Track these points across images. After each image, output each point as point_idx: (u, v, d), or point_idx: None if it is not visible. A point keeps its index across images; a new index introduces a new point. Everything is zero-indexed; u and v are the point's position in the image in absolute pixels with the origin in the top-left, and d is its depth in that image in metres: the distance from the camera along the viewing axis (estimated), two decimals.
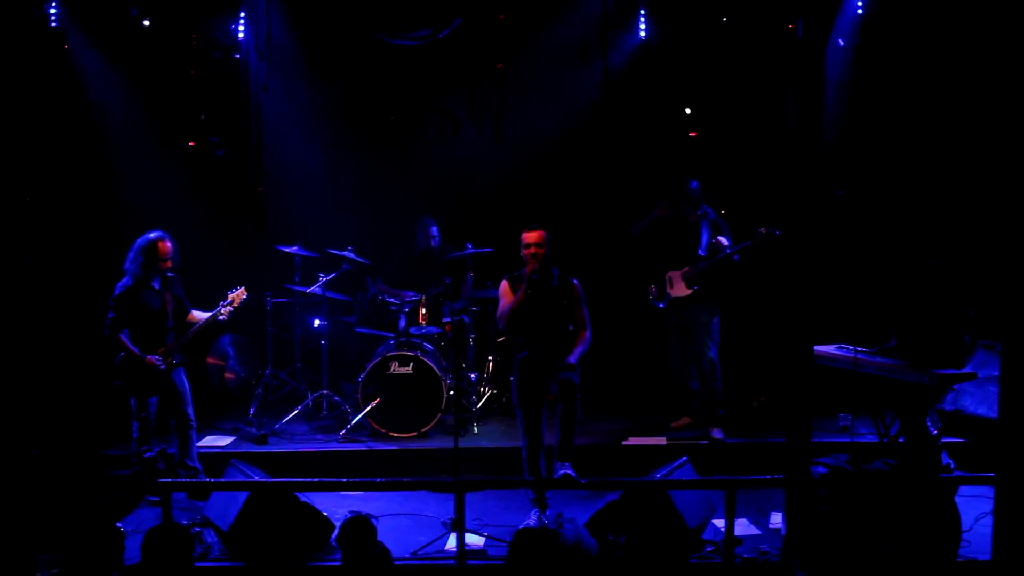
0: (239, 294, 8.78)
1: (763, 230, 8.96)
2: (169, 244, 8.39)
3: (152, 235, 8.38)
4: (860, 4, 10.41)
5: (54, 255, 10.43)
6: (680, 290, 9.44)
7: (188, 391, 8.54)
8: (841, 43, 10.32)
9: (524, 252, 8.06)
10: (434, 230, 10.64)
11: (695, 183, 9.47)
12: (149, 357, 8.29)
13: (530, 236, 8.06)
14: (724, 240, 9.20)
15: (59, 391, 9.83)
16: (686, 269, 9.38)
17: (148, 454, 8.36)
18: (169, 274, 8.50)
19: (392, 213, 11.35)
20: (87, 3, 10.49)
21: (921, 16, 10.16)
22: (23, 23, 9.94)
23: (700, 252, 9.30)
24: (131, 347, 8.28)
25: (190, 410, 8.52)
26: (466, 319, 10.44)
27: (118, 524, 7.47)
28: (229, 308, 8.67)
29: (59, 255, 10.47)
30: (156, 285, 8.41)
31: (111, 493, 7.42)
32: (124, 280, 8.35)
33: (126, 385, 8.36)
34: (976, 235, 9.81)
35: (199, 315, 8.65)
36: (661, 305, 9.59)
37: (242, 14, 10.61)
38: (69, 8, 10.41)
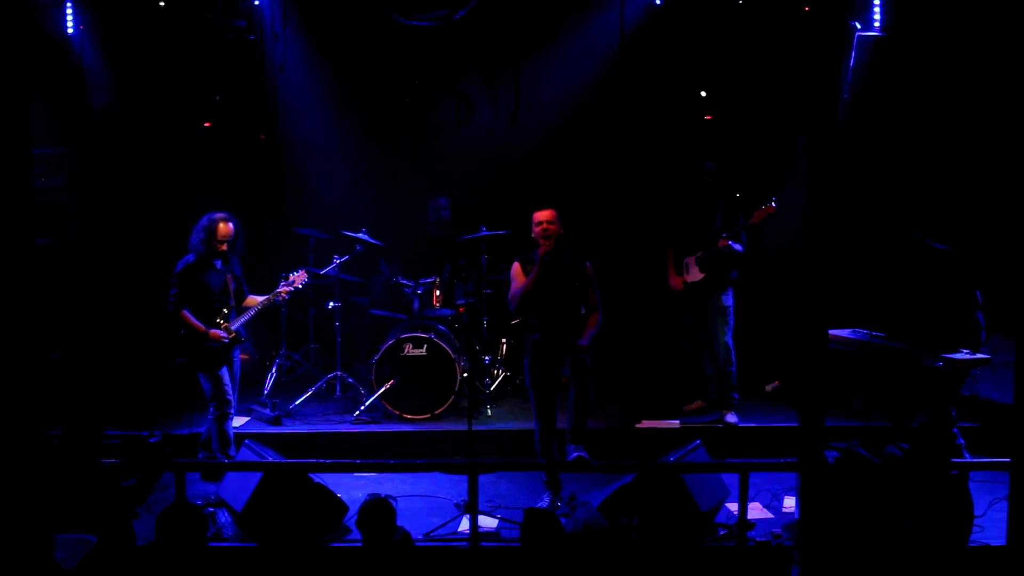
0: (300, 276, 8.84)
1: (763, 205, 8.96)
2: (231, 226, 8.40)
3: (216, 215, 8.39)
4: None
5: (72, 240, 10.46)
6: (694, 275, 9.42)
7: (239, 375, 8.59)
8: (858, 25, 10.24)
9: (536, 230, 8.03)
10: (446, 211, 10.69)
11: (711, 165, 9.45)
12: (213, 331, 8.30)
13: (541, 214, 8.03)
14: (737, 247, 9.17)
15: (76, 373, 9.87)
16: (700, 254, 9.36)
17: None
18: (230, 255, 8.52)
19: (407, 195, 11.35)
20: None
21: None
22: (36, 8, 9.96)
23: (712, 236, 9.28)
24: (195, 322, 8.28)
25: (235, 395, 8.55)
26: (480, 302, 10.45)
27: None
28: (289, 289, 8.72)
29: (78, 240, 10.50)
30: (218, 264, 8.42)
31: (124, 475, 7.42)
32: (187, 257, 8.37)
33: (192, 362, 8.36)
34: (993, 220, 9.75)
35: (257, 298, 8.66)
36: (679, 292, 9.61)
37: None
38: None
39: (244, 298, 8.64)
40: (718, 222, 9.30)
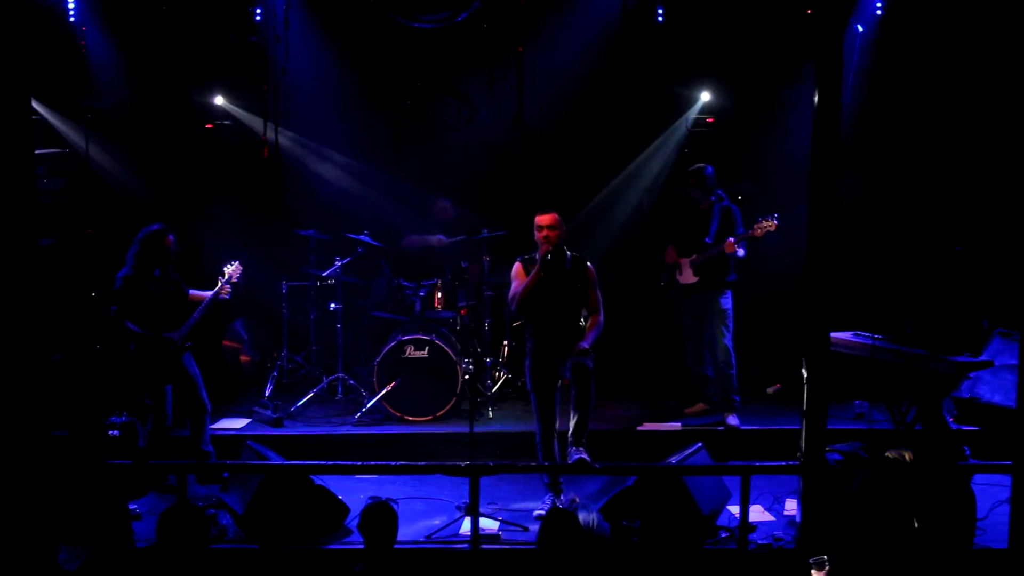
0: (235, 269, 8.75)
1: (762, 219, 8.95)
2: (171, 237, 8.38)
3: (153, 228, 8.35)
4: None
5: (73, 240, 10.46)
6: (688, 277, 9.45)
7: (199, 375, 8.53)
8: (860, 28, 10.25)
9: (537, 235, 7.97)
10: (451, 211, 10.72)
11: (710, 169, 9.45)
12: (162, 335, 8.28)
13: (543, 219, 7.96)
14: (740, 251, 9.16)
15: (78, 373, 9.87)
16: (694, 257, 9.37)
17: (125, 418, 8.35)
18: (168, 262, 8.47)
19: (409, 196, 11.35)
20: None
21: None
22: (40, 10, 9.97)
23: (707, 240, 9.29)
24: (140, 332, 8.25)
25: (203, 394, 8.51)
26: (481, 304, 10.45)
27: (131, 505, 7.52)
28: (228, 287, 8.65)
29: (79, 240, 10.50)
30: (156, 272, 8.37)
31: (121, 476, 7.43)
32: (124, 271, 8.29)
33: (140, 375, 8.36)
34: (995, 222, 9.75)
35: (198, 294, 8.63)
36: (671, 294, 9.62)
37: None
38: None
39: (186, 296, 8.58)
40: (713, 225, 9.31)
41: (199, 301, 8.57)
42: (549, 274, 7.92)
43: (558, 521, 5.86)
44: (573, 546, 5.77)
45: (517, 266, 8.14)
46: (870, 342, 7.95)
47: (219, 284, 8.61)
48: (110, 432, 8.31)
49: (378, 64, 11.23)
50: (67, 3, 10.25)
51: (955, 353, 7.63)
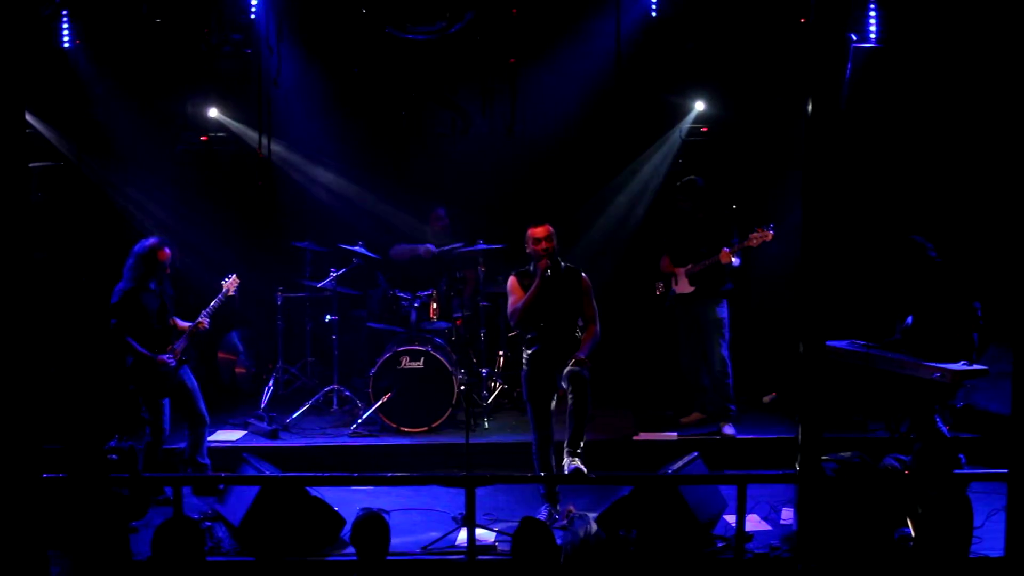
0: (232, 282, 8.79)
1: (757, 229, 8.96)
2: (168, 251, 8.38)
3: (150, 242, 8.35)
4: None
5: (66, 253, 10.44)
6: (684, 287, 9.46)
7: (197, 388, 8.53)
8: (854, 37, 10.26)
9: (534, 247, 7.95)
10: (446, 220, 10.73)
11: (700, 180, 9.47)
12: (160, 356, 8.28)
13: (537, 231, 7.94)
14: (736, 260, 9.15)
15: (72, 387, 9.84)
16: (689, 266, 9.38)
17: (125, 444, 8.34)
18: (164, 276, 8.47)
19: (403, 207, 11.35)
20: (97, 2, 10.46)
21: (934, 10, 10.10)
22: (30, 22, 9.94)
23: (702, 249, 9.31)
24: (140, 349, 8.25)
25: (202, 407, 8.51)
26: (476, 314, 10.44)
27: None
28: (206, 322, 8.58)
29: (72, 253, 10.47)
30: (152, 285, 8.36)
31: (119, 490, 7.40)
32: (121, 284, 8.28)
33: (139, 389, 8.35)
34: (991, 230, 9.75)
35: (181, 323, 8.58)
36: (667, 303, 9.62)
37: (253, 8, 10.56)
38: (78, 7, 10.38)
39: (169, 319, 8.56)
40: (709, 235, 9.31)
41: (180, 331, 8.55)
42: (546, 287, 7.91)
43: (529, 532, 5.84)
44: (546, 557, 5.75)
45: (512, 280, 8.12)
46: (865, 351, 7.96)
47: (198, 317, 8.56)
48: (109, 456, 8.29)
49: (372, 75, 11.23)
50: (61, 18, 10.24)
51: (951, 361, 7.64)
